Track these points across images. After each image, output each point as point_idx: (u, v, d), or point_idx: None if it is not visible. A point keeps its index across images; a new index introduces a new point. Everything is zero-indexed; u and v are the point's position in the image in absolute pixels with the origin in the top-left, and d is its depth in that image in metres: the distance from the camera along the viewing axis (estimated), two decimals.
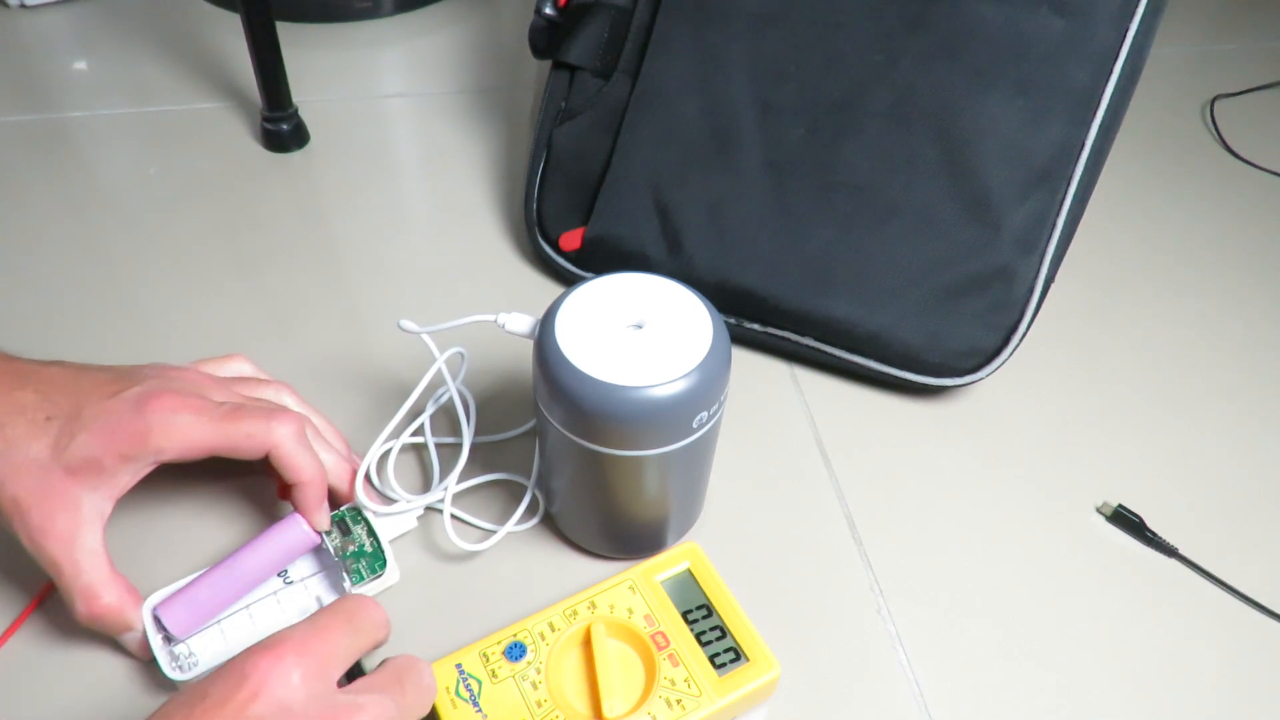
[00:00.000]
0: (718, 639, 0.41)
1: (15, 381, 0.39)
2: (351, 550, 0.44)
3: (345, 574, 0.43)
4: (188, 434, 0.39)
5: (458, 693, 0.39)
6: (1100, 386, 0.58)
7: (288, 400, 0.46)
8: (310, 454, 0.42)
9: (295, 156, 0.72)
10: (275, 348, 0.56)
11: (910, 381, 0.55)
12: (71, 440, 0.38)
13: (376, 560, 0.44)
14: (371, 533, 0.45)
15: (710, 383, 0.39)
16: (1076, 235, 0.53)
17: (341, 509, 0.45)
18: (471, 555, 0.46)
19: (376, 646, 0.37)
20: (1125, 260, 0.68)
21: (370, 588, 0.43)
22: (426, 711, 0.36)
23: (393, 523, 0.46)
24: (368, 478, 0.47)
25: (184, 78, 0.79)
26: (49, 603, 0.43)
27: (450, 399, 0.49)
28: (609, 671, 0.40)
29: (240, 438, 0.40)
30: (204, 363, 0.46)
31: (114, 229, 0.64)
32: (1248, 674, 0.45)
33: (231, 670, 0.32)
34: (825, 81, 0.54)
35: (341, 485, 0.45)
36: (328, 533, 0.44)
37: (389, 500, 0.48)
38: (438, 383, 0.52)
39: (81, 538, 0.39)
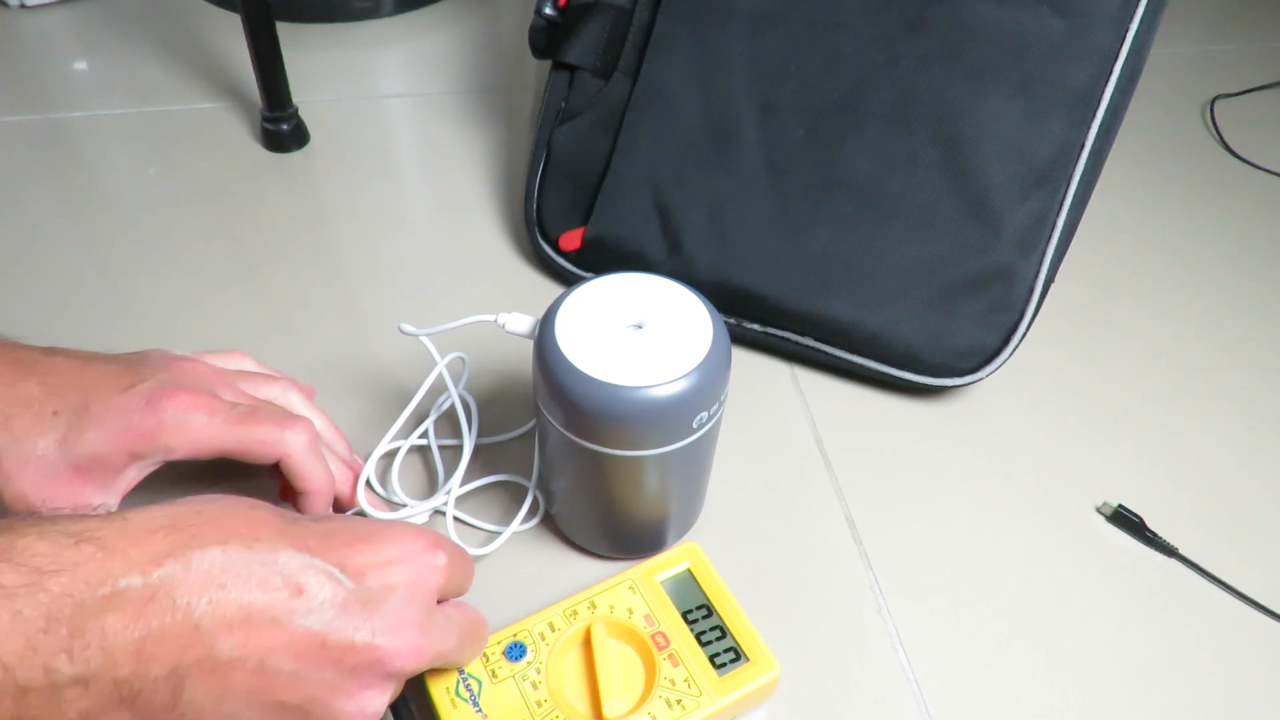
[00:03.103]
0: (718, 639, 0.41)
1: (19, 372, 0.38)
2: None
3: None
4: (200, 435, 0.39)
5: (458, 693, 0.39)
6: (1100, 386, 0.58)
7: (294, 399, 0.45)
8: (321, 463, 0.42)
9: (295, 156, 0.72)
10: (275, 348, 0.56)
11: (910, 381, 0.55)
12: (80, 436, 0.37)
13: None
14: None
15: (710, 383, 0.39)
16: (1076, 235, 0.53)
17: (346, 514, 0.45)
18: (474, 559, 0.46)
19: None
20: (1125, 260, 0.68)
21: None
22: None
23: None
24: (368, 482, 0.47)
25: (184, 78, 0.79)
26: None
27: (452, 404, 0.49)
28: (609, 671, 0.40)
29: (252, 443, 0.40)
30: (205, 354, 0.45)
31: (114, 229, 0.64)
32: (1248, 674, 0.45)
33: (394, 530, 0.34)
34: (825, 82, 0.54)
35: (344, 490, 0.45)
36: None
37: (392, 505, 0.48)
38: (439, 386, 0.52)
39: None
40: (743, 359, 0.58)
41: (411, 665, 0.33)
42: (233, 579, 0.29)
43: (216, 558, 0.29)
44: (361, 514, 0.45)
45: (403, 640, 0.32)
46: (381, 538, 0.33)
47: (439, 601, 0.36)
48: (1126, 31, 0.50)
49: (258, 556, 0.30)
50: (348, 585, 0.31)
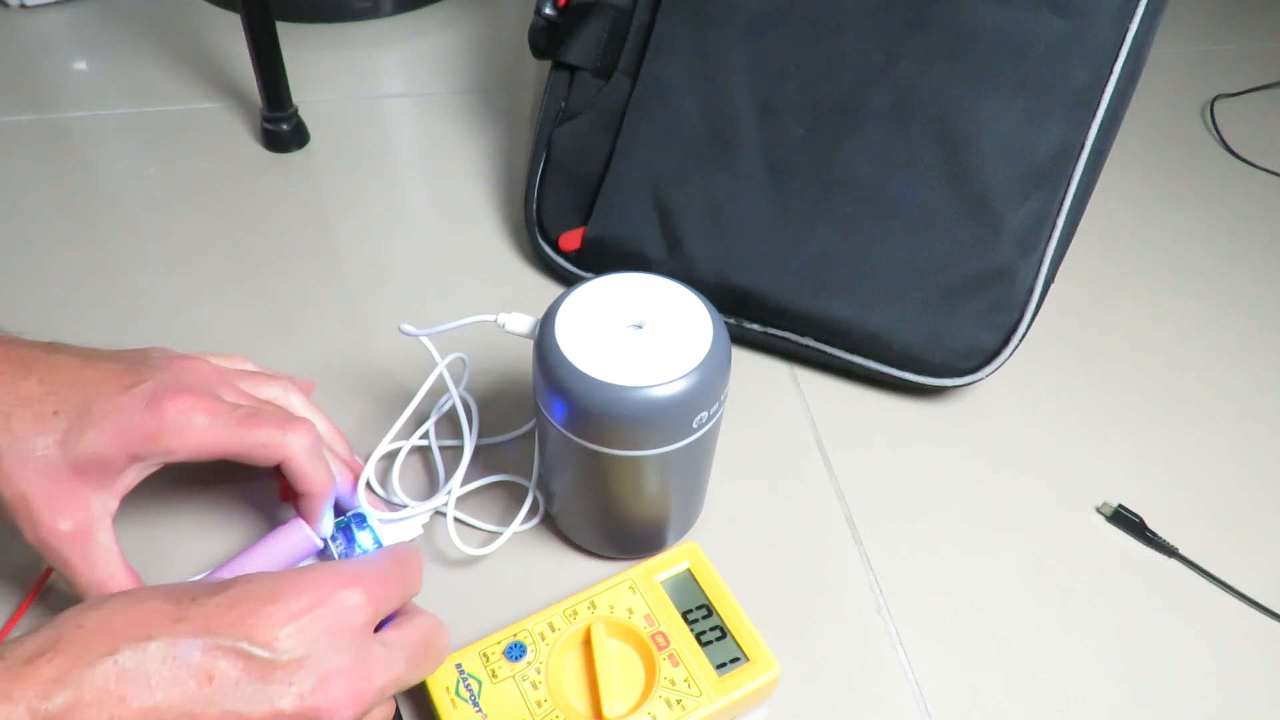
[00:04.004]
0: (718, 639, 0.41)
1: (19, 370, 0.38)
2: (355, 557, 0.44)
3: None
4: (201, 437, 0.39)
5: (458, 693, 0.39)
6: (1100, 386, 0.58)
7: (295, 400, 0.45)
8: (323, 465, 0.42)
9: (295, 156, 0.72)
10: (275, 348, 0.56)
11: (910, 382, 0.55)
12: (80, 437, 0.37)
13: None
14: (376, 540, 0.44)
15: (710, 383, 0.39)
16: (1076, 235, 0.53)
17: (347, 515, 0.45)
18: (474, 560, 0.46)
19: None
20: (1125, 260, 0.68)
21: None
22: (419, 682, 0.36)
23: (397, 529, 0.46)
24: (368, 483, 0.47)
25: (184, 78, 0.79)
26: (47, 596, 0.43)
27: (453, 405, 0.49)
28: (609, 671, 0.40)
29: (254, 445, 0.40)
30: (206, 356, 0.45)
31: (114, 229, 0.64)
32: (1248, 674, 0.45)
33: (300, 579, 0.32)
34: (825, 82, 0.54)
35: (344, 492, 0.45)
36: (333, 539, 0.44)
37: (392, 506, 0.48)
38: (439, 386, 0.52)
39: (94, 536, 0.38)
40: (743, 359, 0.58)
41: (353, 713, 0.31)
42: (131, 688, 0.28)
43: (109, 670, 0.28)
44: (363, 517, 0.45)
45: (337, 691, 0.31)
46: (288, 592, 0.31)
47: (384, 624, 0.35)
48: (1126, 31, 0.50)
49: (155, 655, 0.28)
50: (262, 655, 0.30)
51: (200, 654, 0.29)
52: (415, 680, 0.35)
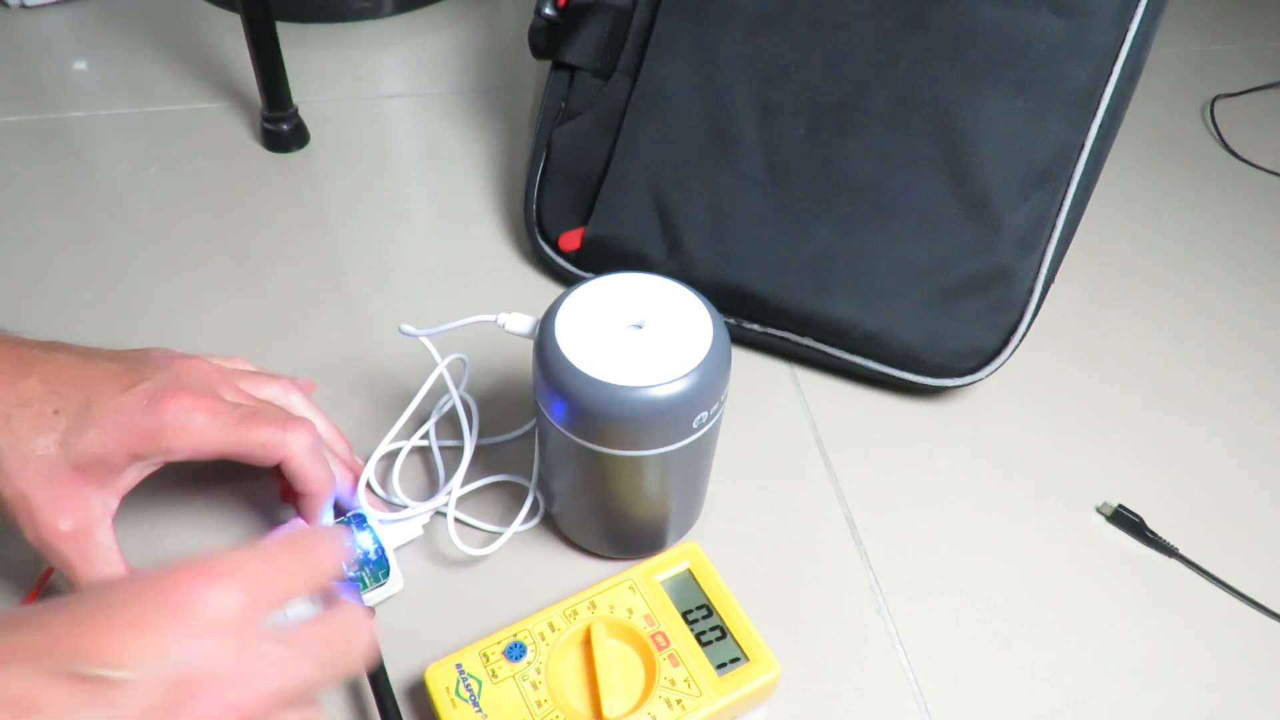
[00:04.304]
0: (718, 639, 0.41)
1: (20, 369, 0.38)
2: (355, 558, 0.44)
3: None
4: (201, 436, 0.39)
5: (458, 693, 0.39)
6: (1100, 386, 0.58)
7: (295, 400, 0.45)
8: (323, 466, 0.42)
9: (295, 156, 0.72)
10: (275, 348, 0.56)
11: (910, 382, 0.55)
12: (81, 436, 0.37)
13: (380, 568, 0.43)
14: (376, 540, 0.44)
15: (710, 383, 0.39)
16: (1076, 235, 0.53)
17: (346, 515, 0.45)
18: (474, 560, 0.46)
19: (331, 584, 0.33)
20: (1125, 260, 0.68)
21: (373, 596, 0.43)
22: (347, 673, 0.32)
23: (397, 530, 0.46)
24: (368, 483, 0.47)
25: (184, 78, 0.79)
26: (47, 596, 0.43)
27: (453, 405, 0.49)
28: (609, 671, 0.40)
29: (254, 445, 0.40)
30: (207, 357, 0.46)
31: (114, 229, 0.64)
32: (1248, 674, 0.45)
33: (153, 584, 0.27)
34: (825, 82, 0.54)
35: (344, 492, 0.45)
36: None
37: (392, 506, 0.48)
38: (439, 386, 0.52)
39: (94, 536, 0.38)
40: (743, 359, 0.58)
41: None
42: None
43: None
44: (363, 517, 0.45)
45: (206, 704, 0.26)
46: (135, 597, 0.27)
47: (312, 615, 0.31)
48: (1126, 31, 0.50)
49: None
50: (100, 674, 0.25)
51: (20, 682, 0.25)
52: (332, 682, 0.30)
